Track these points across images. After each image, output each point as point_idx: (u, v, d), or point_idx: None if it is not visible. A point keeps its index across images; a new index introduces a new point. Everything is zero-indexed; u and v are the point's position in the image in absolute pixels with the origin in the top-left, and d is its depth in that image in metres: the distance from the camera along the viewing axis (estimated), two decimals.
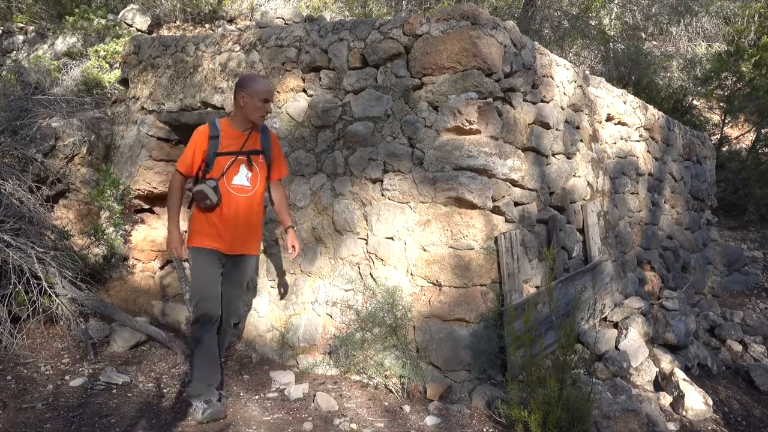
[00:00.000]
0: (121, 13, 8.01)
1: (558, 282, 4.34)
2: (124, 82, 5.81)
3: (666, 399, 4.04)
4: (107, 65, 6.71)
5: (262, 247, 4.57)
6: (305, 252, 4.35)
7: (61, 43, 7.56)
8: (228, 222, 3.45)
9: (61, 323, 4.36)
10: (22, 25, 8.13)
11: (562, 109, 4.76)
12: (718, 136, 12.07)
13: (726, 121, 12.16)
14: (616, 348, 4.36)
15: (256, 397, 3.89)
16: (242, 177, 3.48)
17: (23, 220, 4.40)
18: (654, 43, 13.69)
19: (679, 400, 3.97)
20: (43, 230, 4.65)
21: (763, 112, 11.24)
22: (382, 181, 4.07)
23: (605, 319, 4.90)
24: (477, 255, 3.82)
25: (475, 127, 3.75)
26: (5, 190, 4.47)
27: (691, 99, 12.55)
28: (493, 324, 3.86)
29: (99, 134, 5.62)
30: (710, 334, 5.82)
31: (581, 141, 5.07)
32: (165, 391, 3.91)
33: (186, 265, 4.41)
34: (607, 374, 4.12)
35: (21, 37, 7.99)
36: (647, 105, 6.56)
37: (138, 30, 7.76)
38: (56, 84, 6.42)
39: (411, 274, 3.96)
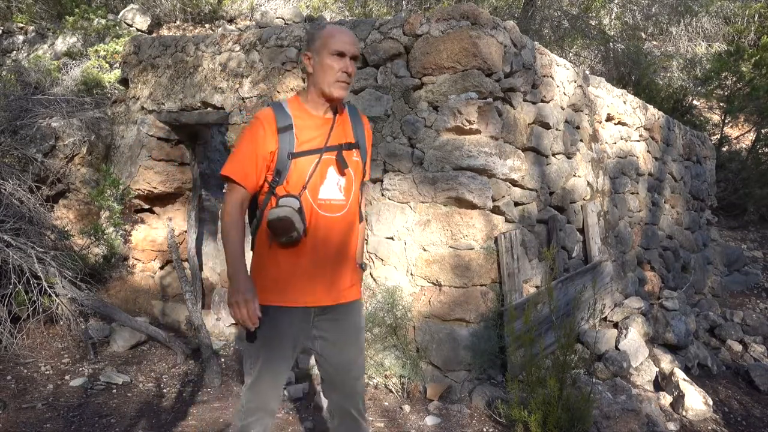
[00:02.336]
0: (121, 13, 8.02)
1: (558, 282, 4.34)
2: (124, 82, 5.81)
3: (666, 399, 4.04)
4: (107, 65, 6.72)
5: None
6: None
7: (61, 43, 7.56)
8: (314, 258, 2.19)
9: (61, 323, 4.36)
10: (22, 25, 8.14)
11: (562, 109, 4.76)
12: (718, 136, 12.07)
13: (726, 121, 12.17)
14: (616, 348, 4.36)
15: None
16: (332, 186, 2.20)
17: (23, 220, 4.40)
18: (654, 43, 13.69)
19: (679, 400, 3.97)
20: (43, 230, 4.65)
21: (763, 112, 11.25)
22: (382, 181, 4.07)
23: (605, 319, 4.90)
24: (477, 255, 3.82)
25: (475, 127, 3.75)
26: (5, 190, 4.47)
27: (691, 99, 12.56)
28: (493, 324, 3.86)
29: (99, 134, 5.62)
30: (710, 334, 5.82)
31: (581, 141, 5.07)
32: (165, 391, 3.91)
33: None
34: (607, 374, 4.12)
35: (21, 37, 7.99)
36: (647, 105, 6.56)
37: (138, 30, 7.76)
38: (56, 84, 6.42)
39: (411, 274, 3.96)
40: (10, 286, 4.03)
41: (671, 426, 3.73)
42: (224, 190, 2.21)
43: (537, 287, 4.33)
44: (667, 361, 4.47)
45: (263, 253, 2.22)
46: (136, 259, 5.51)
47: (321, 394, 3.61)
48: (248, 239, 2.20)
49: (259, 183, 2.18)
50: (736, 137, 12.71)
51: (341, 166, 2.20)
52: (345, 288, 2.28)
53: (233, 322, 4.76)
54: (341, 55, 2.14)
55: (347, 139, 2.26)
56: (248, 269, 2.18)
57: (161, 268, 5.61)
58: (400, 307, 3.93)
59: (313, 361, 4.22)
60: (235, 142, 2.20)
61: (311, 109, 2.21)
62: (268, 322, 2.16)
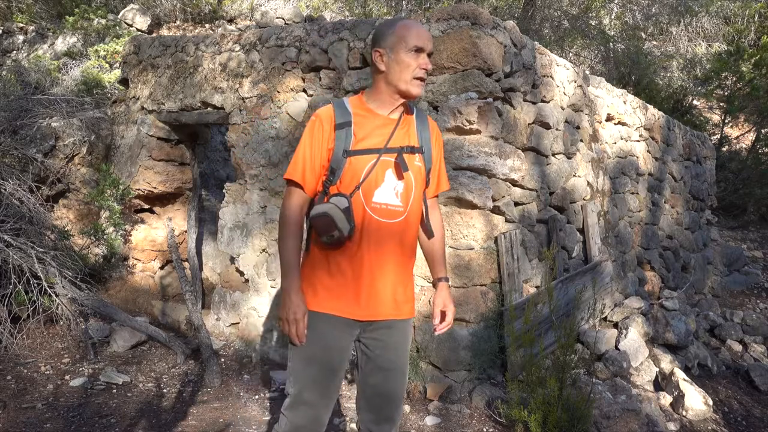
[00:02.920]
0: (121, 13, 8.02)
1: (558, 282, 4.34)
2: (124, 82, 5.81)
3: (666, 399, 4.04)
4: (107, 65, 6.72)
5: (264, 245, 4.57)
6: None
7: (61, 43, 7.57)
8: (365, 267, 2.05)
9: (61, 323, 4.36)
10: (22, 25, 8.13)
11: (562, 109, 4.77)
12: (718, 136, 12.08)
13: (726, 121, 12.17)
14: (616, 348, 4.36)
15: (256, 397, 3.88)
16: (389, 191, 2.07)
17: (23, 220, 4.40)
18: (654, 43, 13.69)
19: (679, 400, 3.97)
20: (43, 230, 4.65)
21: (763, 112, 11.25)
22: None
23: (605, 319, 4.90)
24: (477, 255, 3.82)
25: (475, 127, 3.75)
26: (5, 190, 4.47)
27: (691, 99, 12.56)
28: (493, 324, 3.86)
29: (99, 134, 5.62)
30: (710, 334, 5.82)
31: (581, 141, 5.07)
32: (165, 391, 3.91)
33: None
34: (607, 374, 4.12)
35: (21, 37, 7.99)
36: (647, 105, 6.56)
37: (138, 30, 7.76)
38: (56, 84, 6.42)
39: None
40: (10, 286, 4.03)
41: (671, 426, 3.73)
42: (284, 194, 2.11)
43: (537, 287, 4.33)
44: (667, 361, 4.47)
45: (314, 255, 2.09)
46: (136, 259, 5.51)
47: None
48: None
49: (318, 184, 2.07)
50: (736, 137, 12.71)
51: (401, 169, 2.05)
52: (398, 303, 2.11)
53: (234, 322, 4.77)
54: (419, 50, 2.03)
55: (410, 142, 2.12)
56: (300, 277, 2.06)
57: (161, 268, 5.61)
58: None
59: None
60: (300, 141, 2.10)
61: (376, 108, 2.10)
62: (317, 331, 2.04)
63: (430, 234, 2.25)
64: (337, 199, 1.99)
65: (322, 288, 2.05)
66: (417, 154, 2.13)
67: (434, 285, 2.31)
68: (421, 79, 2.06)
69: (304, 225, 2.13)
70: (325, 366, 2.05)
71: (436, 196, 2.31)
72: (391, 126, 2.09)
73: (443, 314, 2.24)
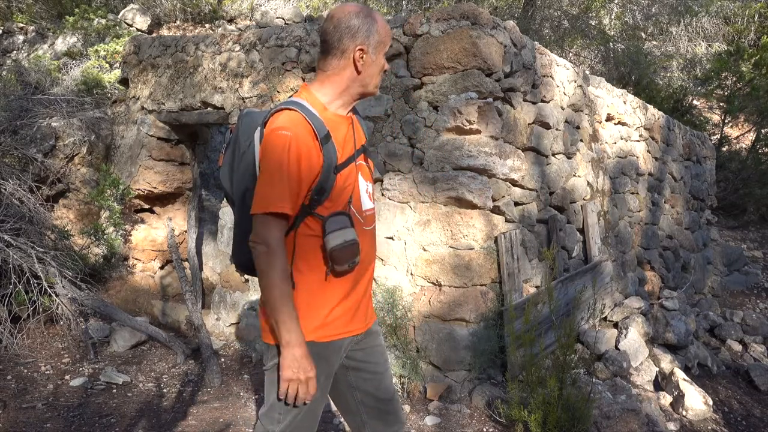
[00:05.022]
0: (121, 13, 8.02)
1: (558, 282, 4.34)
2: (124, 81, 5.82)
3: (666, 399, 4.04)
4: (107, 65, 6.72)
5: None
6: None
7: (61, 43, 7.57)
8: (365, 278, 1.93)
9: (61, 323, 4.36)
10: (22, 25, 8.14)
11: (562, 109, 4.77)
12: (718, 136, 12.08)
13: (726, 121, 12.17)
14: (616, 348, 4.36)
15: (256, 396, 3.89)
16: (364, 194, 1.92)
17: (23, 220, 4.41)
18: (654, 43, 13.69)
19: (679, 399, 3.97)
20: (43, 230, 4.65)
21: (763, 112, 11.25)
22: (382, 181, 4.07)
23: (605, 318, 4.90)
24: (477, 255, 3.82)
25: (475, 127, 3.75)
26: (5, 190, 4.47)
27: (691, 99, 12.56)
28: (493, 324, 3.86)
29: (99, 134, 5.62)
30: (710, 334, 5.82)
31: (581, 141, 5.07)
32: (165, 390, 3.91)
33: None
34: (607, 374, 4.12)
35: (21, 37, 7.99)
36: (647, 105, 6.56)
37: (138, 30, 7.77)
38: (56, 84, 6.42)
39: (411, 274, 3.96)
40: (10, 286, 4.03)
41: (671, 426, 3.73)
42: (259, 227, 1.72)
43: (537, 287, 4.34)
44: (667, 361, 4.47)
45: (314, 289, 1.80)
46: (136, 259, 5.51)
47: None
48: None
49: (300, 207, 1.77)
50: (736, 137, 12.72)
51: (368, 171, 1.93)
52: (371, 308, 2.01)
53: (234, 322, 4.76)
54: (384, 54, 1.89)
55: (362, 139, 1.95)
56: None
57: (161, 268, 5.61)
58: (400, 307, 3.93)
59: None
60: (265, 164, 1.72)
61: (337, 109, 1.86)
62: (327, 362, 1.82)
63: None
64: (341, 219, 1.78)
65: (323, 315, 1.81)
66: (367, 151, 1.99)
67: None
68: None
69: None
70: (322, 394, 1.85)
71: None
72: (351, 127, 1.90)
73: None
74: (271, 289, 1.70)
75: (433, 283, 3.89)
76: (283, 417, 1.81)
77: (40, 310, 4.20)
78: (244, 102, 4.72)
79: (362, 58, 1.81)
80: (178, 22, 8.27)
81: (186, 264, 5.35)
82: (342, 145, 1.82)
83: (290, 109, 1.75)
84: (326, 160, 1.74)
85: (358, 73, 1.83)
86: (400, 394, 3.83)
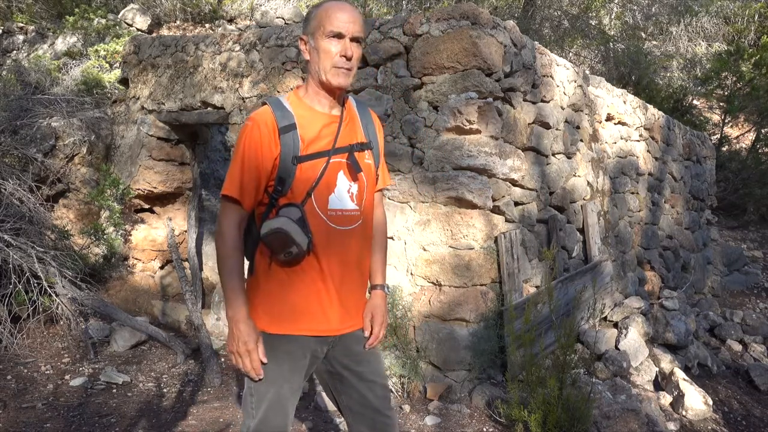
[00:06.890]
0: (121, 13, 8.02)
1: (558, 282, 4.34)
2: (124, 81, 5.82)
3: (666, 399, 4.04)
4: (107, 65, 6.72)
5: None
6: None
7: (61, 43, 7.57)
8: (334, 278, 1.89)
9: (61, 323, 4.36)
10: (22, 25, 8.14)
11: (562, 108, 4.77)
12: (718, 136, 12.08)
13: (726, 121, 12.17)
14: (616, 348, 4.36)
15: None
16: (343, 195, 1.89)
17: (23, 220, 4.41)
18: (654, 43, 13.69)
19: (679, 399, 3.97)
20: (43, 230, 4.65)
21: (763, 112, 11.26)
22: None
23: (605, 318, 4.90)
24: (477, 255, 3.82)
25: (475, 126, 3.75)
26: (5, 189, 4.47)
27: (691, 99, 12.56)
28: (493, 324, 3.86)
29: (99, 134, 5.62)
30: (710, 334, 5.82)
31: (581, 141, 5.07)
32: (165, 390, 3.91)
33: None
34: (607, 374, 4.12)
35: (21, 37, 8.00)
36: (647, 105, 6.56)
37: (138, 30, 7.77)
38: (56, 84, 6.42)
39: (411, 274, 3.96)
40: (10, 286, 4.04)
41: (671, 426, 3.73)
42: (218, 212, 1.83)
43: (537, 287, 4.34)
44: (667, 361, 4.47)
45: (266, 276, 1.86)
46: (136, 259, 5.51)
47: (322, 394, 3.61)
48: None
49: (259, 197, 1.83)
50: (736, 137, 12.72)
51: (354, 170, 1.87)
52: (358, 312, 1.98)
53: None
54: (339, 36, 1.79)
55: (358, 139, 1.92)
56: (247, 302, 1.83)
57: (161, 267, 5.61)
58: (400, 306, 3.93)
59: None
60: (233, 151, 1.83)
61: (314, 104, 1.88)
62: (278, 355, 1.83)
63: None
64: (288, 210, 1.79)
65: (281, 308, 1.84)
66: (366, 151, 1.94)
67: (369, 291, 2.07)
68: (345, 69, 1.81)
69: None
70: (290, 390, 1.86)
71: (380, 191, 2.08)
72: (335, 124, 1.88)
73: (372, 327, 1.99)
74: (220, 267, 1.83)
75: (433, 283, 3.89)
76: (255, 411, 1.86)
77: (40, 310, 4.20)
78: (244, 102, 4.72)
79: (305, 47, 1.87)
80: (178, 22, 8.27)
81: (186, 264, 5.35)
82: (312, 139, 1.83)
83: (264, 103, 1.87)
84: (284, 149, 1.79)
85: (308, 63, 1.88)
86: (400, 394, 3.83)
